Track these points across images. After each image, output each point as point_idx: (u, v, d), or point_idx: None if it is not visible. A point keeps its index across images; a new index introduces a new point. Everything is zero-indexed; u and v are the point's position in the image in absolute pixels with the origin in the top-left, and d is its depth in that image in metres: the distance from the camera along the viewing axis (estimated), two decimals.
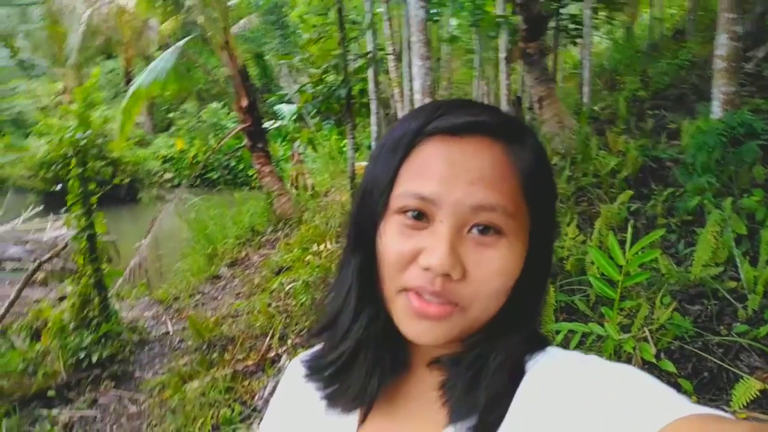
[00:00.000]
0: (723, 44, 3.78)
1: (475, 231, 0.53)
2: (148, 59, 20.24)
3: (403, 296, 0.55)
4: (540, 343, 0.60)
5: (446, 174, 0.53)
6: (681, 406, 0.44)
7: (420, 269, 0.53)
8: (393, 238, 0.55)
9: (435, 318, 0.53)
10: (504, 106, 7.32)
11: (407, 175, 0.55)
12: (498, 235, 0.53)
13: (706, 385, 2.32)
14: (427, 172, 0.54)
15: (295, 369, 0.72)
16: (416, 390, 0.62)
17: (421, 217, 0.54)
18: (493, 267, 0.53)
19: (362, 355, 0.60)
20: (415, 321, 0.54)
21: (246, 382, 3.52)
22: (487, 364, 0.56)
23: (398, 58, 7.92)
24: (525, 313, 0.59)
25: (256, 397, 3.33)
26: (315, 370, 0.65)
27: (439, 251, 0.51)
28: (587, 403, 0.48)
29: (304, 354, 0.71)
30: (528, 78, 5.91)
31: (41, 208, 10.13)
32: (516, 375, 0.56)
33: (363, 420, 0.63)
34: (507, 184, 0.54)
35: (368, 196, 0.58)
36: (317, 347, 0.69)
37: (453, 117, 0.55)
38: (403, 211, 0.54)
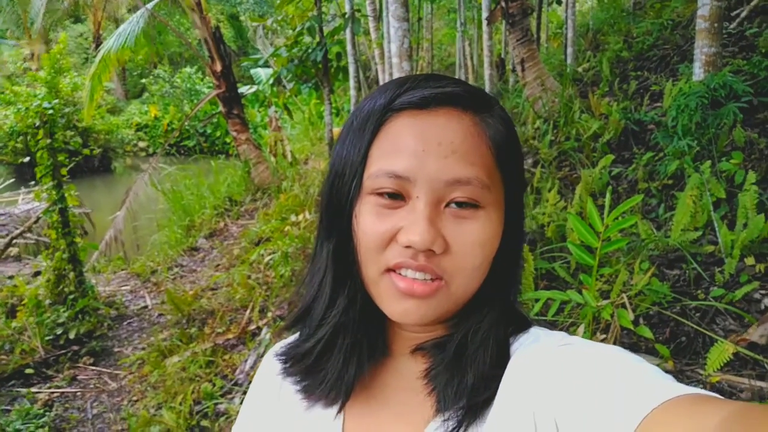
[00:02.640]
0: (705, 3, 3.69)
1: (452, 205, 0.53)
2: (117, 22, 19.49)
3: (387, 278, 0.54)
4: (522, 323, 0.60)
5: (418, 149, 0.52)
6: (670, 387, 0.43)
7: (401, 247, 0.52)
8: (370, 219, 0.53)
9: (421, 296, 0.52)
10: (486, 68, 7.19)
11: (378, 153, 0.54)
12: (475, 207, 0.53)
13: (683, 349, 2.35)
14: (398, 148, 0.53)
15: (269, 365, 0.69)
16: (400, 380, 0.61)
17: (397, 195, 0.53)
18: (474, 238, 0.53)
19: (339, 342, 0.59)
20: (401, 300, 0.53)
21: (227, 356, 3.50)
22: (469, 341, 0.56)
23: (378, 18, 7.67)
24: (503, 284, 0.58)
25: (237, 371, 3.32)
26: (290, 362, 0.63)
27: (418, 227, 0.51)
28: (574, 387, 0.47)
29: (278, 346, 0.68)
30: (510, 39, 5.77)
31: (12, 180, 9.83)
32: (501, 357, 0.55)
33: (340, 410, 0.60)
34: (479, 154, 0.53)
35: (339, 179, 0.56)
36: (291, 338, 0.67)
37: (420, 90, 0.54)
38: (378, 191, 0.53)
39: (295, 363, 0.63)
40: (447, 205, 0.53)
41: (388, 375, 0.62)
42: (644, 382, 0.45)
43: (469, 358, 0.55)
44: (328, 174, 0.59)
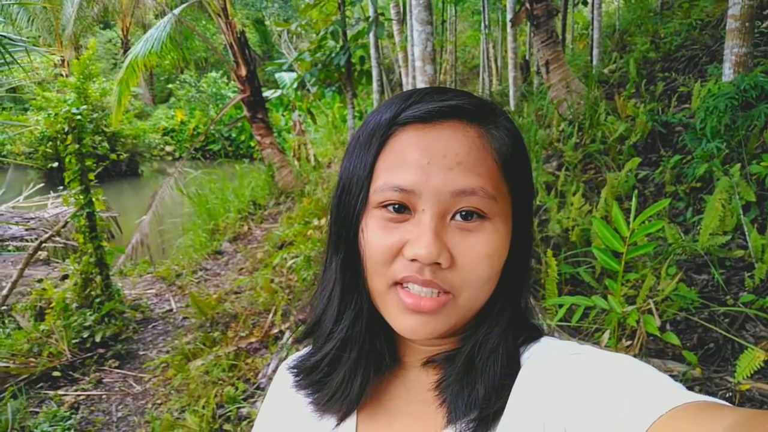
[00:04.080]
0: (736, 2, 3.59)
1: (458, 217, 0.53)
2: (145, 27, 19.95)
3: (394, 292, 0.54)
4: (534, 333, 0.60)
5: (423, 162, 0.52)
6: (677, 394, 0.43)
7: (407, 261, 0.52)
8: (376, 233, 0.54)
9: (429, 312, 0.52)
10: (511, 70, 7.13)
11: (384, 167, 0.54)
12: (481, 218, 0.53)
13: (711, 356, 2.29)
14: (403, 162, 0.53)
15: (282, 377, 0.71)
16: (412, 391, 0.61)
17: (403, 209, 0.53)
18: (480, 251, 0.52)
19: (346, 356, 0.60)
20: (408, 316, 0.53)
21: (249, 360, 3.52)
22: (480, 351, 0.56)
23: (402, 21, 7.67)
24: (512, 294, 0.58)
25: (260, 375, 3.34)
26: (301, 375, 0.64)
27: (424, 240, 0.51)
28: (583, 396, 0.47)
29: (290, 359, 0.70)
30: (535, 41, 5.70)
31: (42, 185, 10.11)
32: (512, 367, 0.55)
33: (348, 422, 0.61)
34: (485, 166, 0.53)
35: (346, 193, 0.57)
36: (303, 351, 0.68)
37: (425, 104, 0.54)
38: (384, 205, 0.53)
39: (306, 376, 0.64)
40: (453, 218, 0.53)
41: (400, 386, 0.62)
42: (652, 389, 0.44)
43: (479, 370, 0.55)
44: (335, 188, 0.60)
